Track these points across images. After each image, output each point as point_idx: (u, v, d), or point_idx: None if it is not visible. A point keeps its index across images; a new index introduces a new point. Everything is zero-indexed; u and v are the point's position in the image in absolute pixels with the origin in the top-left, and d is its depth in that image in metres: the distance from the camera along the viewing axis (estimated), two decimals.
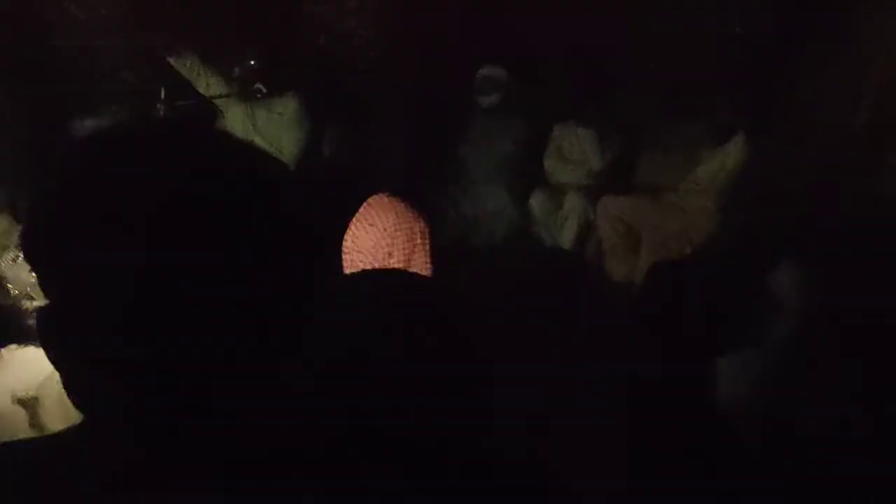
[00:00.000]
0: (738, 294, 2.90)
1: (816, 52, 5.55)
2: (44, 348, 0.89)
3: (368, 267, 2.34)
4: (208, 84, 5.90)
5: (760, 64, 5.71)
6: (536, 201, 5.98)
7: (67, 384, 0.90)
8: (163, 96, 5.97)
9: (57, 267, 0.88)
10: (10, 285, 2.66)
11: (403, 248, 2.38)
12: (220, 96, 5.94)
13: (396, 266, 2.33)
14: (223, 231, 0.86)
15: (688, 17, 5.95)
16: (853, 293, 2.68)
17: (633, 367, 2.98)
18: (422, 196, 4.70)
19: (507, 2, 6.26)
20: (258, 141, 5.54)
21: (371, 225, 2.41)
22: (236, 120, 5.89)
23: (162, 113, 5.91)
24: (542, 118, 6.20)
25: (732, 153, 5.38)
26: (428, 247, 2.42)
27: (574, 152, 6.10)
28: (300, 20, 6.42)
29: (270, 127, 5.88)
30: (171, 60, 5.85)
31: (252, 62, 5.88)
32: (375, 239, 2.39)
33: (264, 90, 5.92)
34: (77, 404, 0.91)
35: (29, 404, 2.37)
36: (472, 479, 1.18)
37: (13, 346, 2.35)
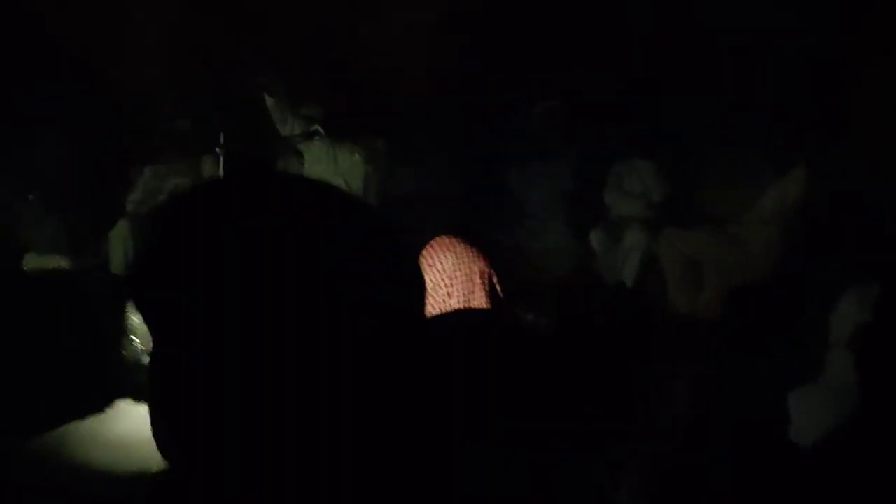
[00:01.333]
0: (804, 325, 2.88)
1: (876, 75, 5.48)
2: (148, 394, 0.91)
3: (426, 307, 2.35)
4: (294, 126, 5.99)
5: (820, 91, 5.65)
6: (597, 236, 5.96)
7: (161, 433, 0.91)
8: (222, 141, 6.08)
9: (164, 321, 0.90)
10: (134, 338, 2.71)
11: (462, 289, 2.40)
12: (303, 138, 6.02)
13: (457, 307, 2.35)
14: (331, 284, 0.85)
15: (745, 46, 5.91)
16: None
17: (703, 400, 2.97)
18: (483, 234, 4.73)
19: (563, 36, 6.28)
20: (340, 183, 5.56)
21: (430, 266, 2.44)
22: (318, 162, 5.96)
23: (224, 157, 6.00)
24: (602, 152, 6.19)
25: (794, 183, 5.32)
26: (488, 287, 2.43)
27: (635, 185, 6.08)
28: (361, 62, 6.50)
29: (352, 169, 5.94)
30: (267, 100, 5.95)
31: (323, 107, 5.99)
32: (435, 280, 2.41)
33: (322, 132, 6.01)
34: (166, 453, 0.92)
35: (139, 454, 2.38)
36: None
37: (129, 400, 2.40)
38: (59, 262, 3.77)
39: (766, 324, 3.66)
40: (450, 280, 2.40)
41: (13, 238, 5.95)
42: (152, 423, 0.92)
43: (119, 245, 5.91)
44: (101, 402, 2.62)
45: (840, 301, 2.74)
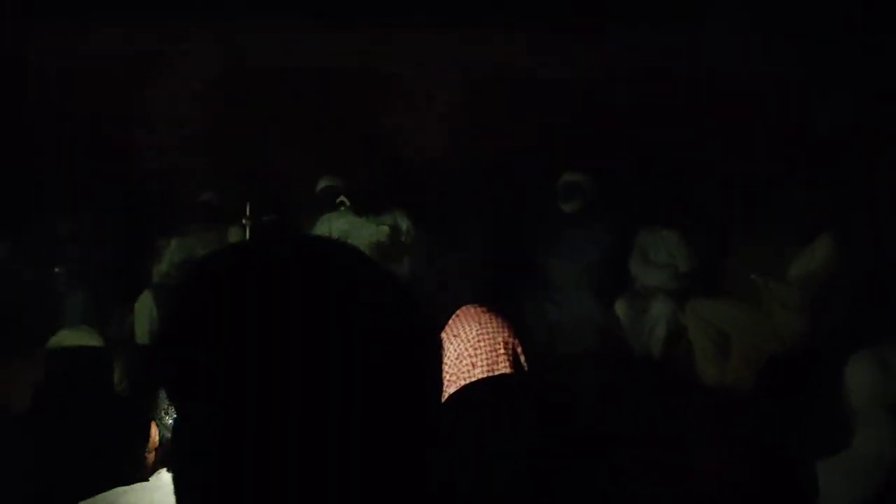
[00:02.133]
0: (833, 394, 2.84)
1: None
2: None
3: (451, 377, 2.34)
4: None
5: (843, 160, 5.66)
6: (622, 306, 5.94)
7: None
8: (248, 213, 6.13)
9: (186, 391, 0.89)
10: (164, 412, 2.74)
11: (487, 359, 2.38)
12: (329, 209, 6.09)
13: (480, 376, 2.34)
14: (347, 352, 0.85)
15: (767, 116, 5.95)
16: None
17: (733, 470, 2.92)
18: (509, 305, 4.73)
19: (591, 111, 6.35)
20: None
21: (455, 336, 2.43)
22: (343, 233, 6.01)
23: (250, 228, 6.05)
24: (627, 223, 6.21)
25: (819, 252, 5.29)
26: (512, 357, 2.41)
27: (660, 256, 6.07)
28: (387, 138, 6.59)
29: (376, 239, 5.99)
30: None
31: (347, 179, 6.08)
32: (459, 350, 2.40)
33: (347, 203, 6.06)
34: None
35: None
36: None
37: (164, 471, 2.42)
38: (91, 337, 3.80)
39: (794, 393, 3.62)
40: (473, 350, 2.39)
41: (41, 312, 5.99)
42: (177, 495, 0.91)
43: (143, 316, 5.93)
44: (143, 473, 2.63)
45: (857, 366, 2.71)
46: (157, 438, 2.78)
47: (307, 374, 0.83)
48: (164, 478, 2.31)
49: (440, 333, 2.43)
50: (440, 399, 0.98)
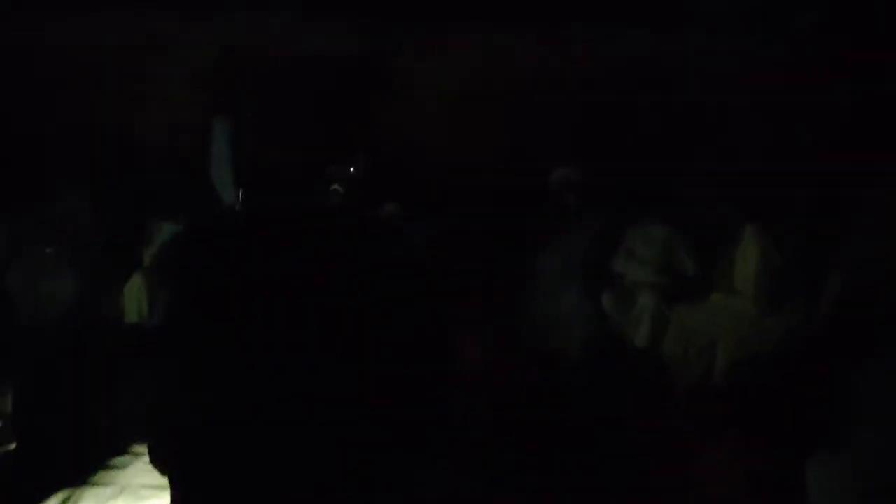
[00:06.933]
0: (820, 394, 2.87)
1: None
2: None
3: None
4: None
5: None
6: (609, 301, 5.97)
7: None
8: (241, 198, 6.12)
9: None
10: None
11: None
12: (322, 199, 6.11)
13: None
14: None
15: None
16: None
17: (718, 472, 2.96)
18: (499, 297, 4.75)
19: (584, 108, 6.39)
20: None
21: None
22: None
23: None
24: (617, 219, 6.24)
25: (750, 245, 5.36)
26: None
27: (647, 252, 6.11)
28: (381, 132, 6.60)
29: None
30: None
31: (351, 169, 6.08)
32: None
33: (341, 191, 6.07)
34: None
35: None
36: None
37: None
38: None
39: (779, 391, 3.66)
40: None
41: (33, 292, 5.97)
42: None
43: (133, 299, 5.92)
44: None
45: (867, 367, 2.73)
46: None
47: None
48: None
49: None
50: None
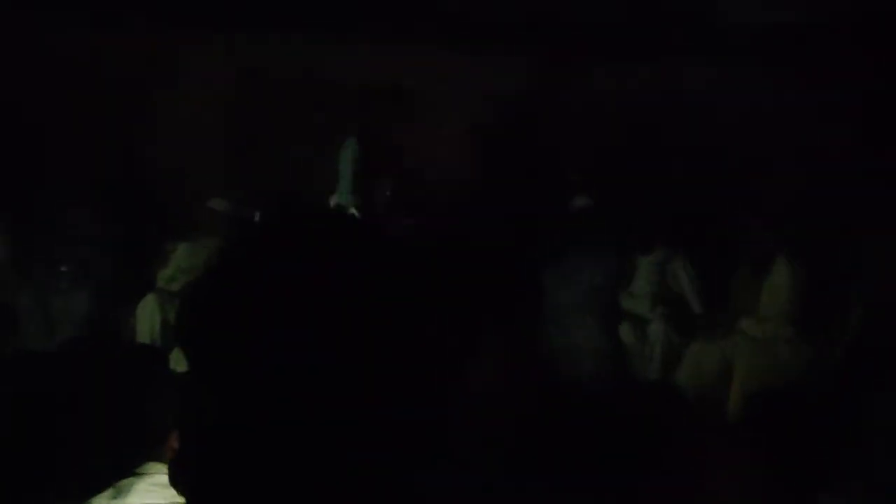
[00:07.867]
0: (837, 425, 2.84)
1: None
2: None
3: None
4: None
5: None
6: (625, 332, 5.96)
7: None
8: (257, 219, 6.12)
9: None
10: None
11: None
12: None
13: None
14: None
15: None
16: None
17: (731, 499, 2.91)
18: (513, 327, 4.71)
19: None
20: None
21: None
22: None
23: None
24: (633, 249, 6.23)
25: (778, 276, 5.33)
26: None
27: (636, 285, 6.14)
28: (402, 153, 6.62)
29: None
30: None
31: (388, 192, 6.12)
32: None
33: (357, 214, 6.09)
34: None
35: None
36: None
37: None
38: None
39: (797, 424, 3.62)
40: None
41: (43, 311, 5.99)
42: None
43: (146, 319, 5.93)
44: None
45: (884, 398, 2.71)
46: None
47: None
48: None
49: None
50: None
